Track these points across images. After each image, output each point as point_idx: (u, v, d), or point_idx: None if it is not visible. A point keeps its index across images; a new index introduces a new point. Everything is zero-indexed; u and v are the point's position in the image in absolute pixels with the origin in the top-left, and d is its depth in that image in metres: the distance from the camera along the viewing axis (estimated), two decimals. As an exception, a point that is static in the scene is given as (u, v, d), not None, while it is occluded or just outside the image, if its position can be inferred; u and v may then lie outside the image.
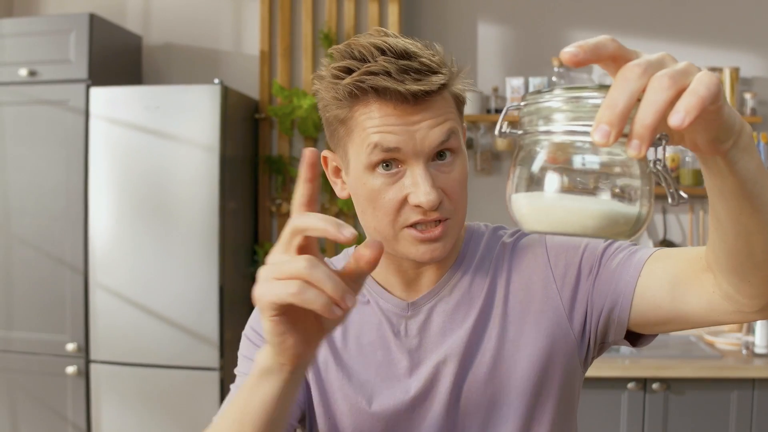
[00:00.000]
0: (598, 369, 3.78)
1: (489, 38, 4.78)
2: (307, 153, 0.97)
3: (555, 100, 0.83)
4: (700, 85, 0.73)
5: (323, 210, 4.62)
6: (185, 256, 4.06)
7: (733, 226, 1.00)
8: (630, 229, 0.83)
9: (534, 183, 0.84)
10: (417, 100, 1.24)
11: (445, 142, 1.26)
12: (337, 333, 1.45)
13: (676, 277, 1.24)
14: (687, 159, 4.59)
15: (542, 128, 0.84)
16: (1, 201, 4.25)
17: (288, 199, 4.65)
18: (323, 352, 1.45)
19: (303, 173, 0.97)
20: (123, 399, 4.11)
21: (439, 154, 1.28)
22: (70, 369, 4.13)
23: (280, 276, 0.91)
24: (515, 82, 4.56)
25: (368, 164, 1.27)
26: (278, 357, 1.00)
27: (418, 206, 1.26)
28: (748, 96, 4.54)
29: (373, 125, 1.25)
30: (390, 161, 1.26)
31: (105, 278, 4.10)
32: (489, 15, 4.77)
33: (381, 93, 1.23)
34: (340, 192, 1.40)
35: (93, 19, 4.17)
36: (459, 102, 1.33)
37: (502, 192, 4.68)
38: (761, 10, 4.69)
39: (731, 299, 1.14)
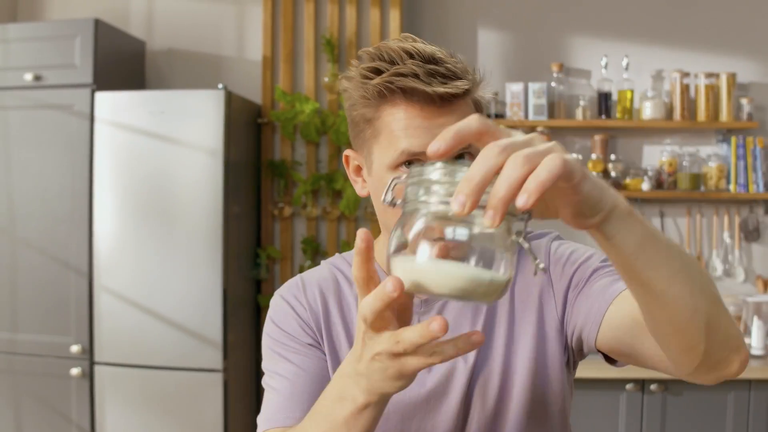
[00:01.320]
0: (596, 370, 3.82)
1: (489, 44, 4.82)
2: (362, 235, 0.98)
3: (433, 173, 0.89)
4: (542, 169, 0.80)
5: (324, 213, 4.66)
6: (189, 259, 4.09)
7: (633, 294, 1.05)
8: (495, 291, 0.90)
9: (410, 247, 0.90)
10: (443, 103, 1.28)
11: (467, 147, 1.28)
12: (356, 327, 1.46)
13: (637, 320, 1.21)
14: (684, 164, 4.63)
15: (421, 198, 0.90)
16: (6, 204, 4.28)
17: (289, 202, 4.68)
18: (344, 347, 1.47)
19: (361, 254, 0.98)
20: (127, 401, 4.14)
21: (458, 158, 1.30)
22: (75, 371, 4.16)
23: (406, 351, 0.95)
24: (515, 88, 4.61)
25: (392, 164, 1.32)
26: (388, 393, 1.05)
27: None
28: (744, 101, 4.59)
29: (400, 127, 1.30)
30: (412, 162, 1.30)
31: (109, 281, 4.13)
32: (489, 21, 4.82)
33: (409, 94, 1.28)
34: (360, 190, 1.44)
35: (98, 24, 4.20)
36: (479, 109, 1.37)
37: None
38: (758, 17, 4.74)
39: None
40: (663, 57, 4.77)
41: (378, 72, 1.31)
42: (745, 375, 3.90)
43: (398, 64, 1.29)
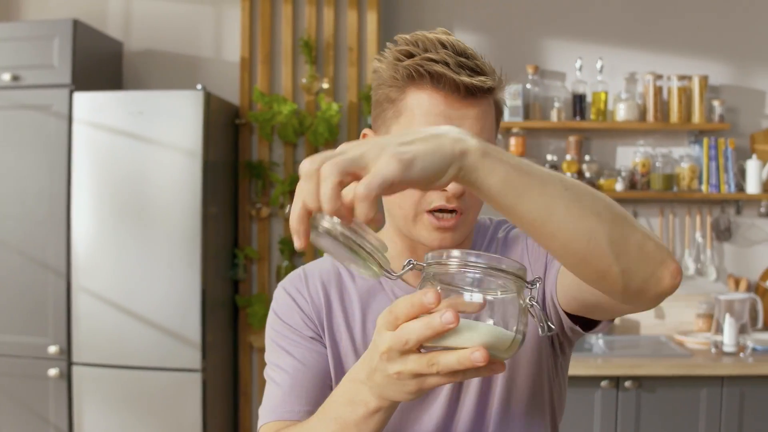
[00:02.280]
0: (572, 368, 3.86)
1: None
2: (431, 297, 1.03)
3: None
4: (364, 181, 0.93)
5: (268, 205, 4.67)
6: (167, 259, 4.10)
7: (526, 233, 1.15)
8: (508, 348, 1.01)
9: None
10: (467, 95, 1.32)
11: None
12: (357, 320, 1.51)
13: None
14: (657, 165, 4.69)
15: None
16: (-16, 205, 4.27)
17: (267, 203, 4.70)
18: (345, 340, 1.50)
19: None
20: (105, 401, 4.13)
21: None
22: (53, 371, 4.15)
23: (439, 373, 1.00)
24: (491, 89, 4.64)
25: None
26: (396, 401, 1.11)
27: (444, 190, 1.33)
28: (716, 103, 4.65)
29: (422, 111, 1.33)
30: None
31: (87, 282, 4.13)
32: (465, 24, 4.86)
33: (436, 79, 1.32)
34: None
35: (76, 24, 4.20)
36: (499, 111, 1.42)
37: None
38: (729, 21, 4.81)
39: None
40: (636, 59, 4.83)
41: (410, 55, 1.34)
42: (718, 371, 3.97)
43: (431, 51, 1.32)
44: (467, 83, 1.31)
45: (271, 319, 1.56)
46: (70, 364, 4.16)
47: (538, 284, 1.05)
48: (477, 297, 1.01)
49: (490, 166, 0.98)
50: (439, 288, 1.01)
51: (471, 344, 0.97)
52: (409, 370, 1.00)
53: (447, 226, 1.38)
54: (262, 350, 4.74)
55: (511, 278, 1.01)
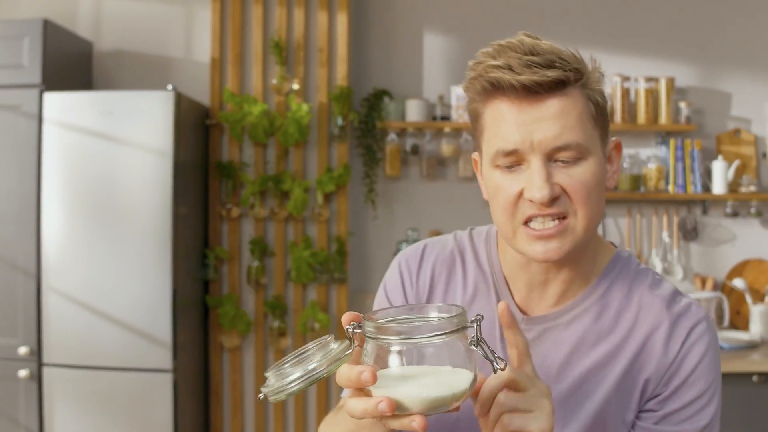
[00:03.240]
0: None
1: (435, 48, 4.89)
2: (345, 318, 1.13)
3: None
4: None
5: (272, 214, 4.69)
6: (138, 259, 4.09)
7: None
8: (459, 394, 1.06)
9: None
10: (535, 93, 1.25)
11: (564, 146, 1.25)
12: None
13: None
14: (624, 165, 4.73)
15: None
16: (-48, 205, 4.24)
17: (237, 203, 4.70)
18: None
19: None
20: (76, 402, 4.11)
21: (566, 154, 1.27)
22: (23, 373, 4.12)
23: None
24: (460, 91, 4.66)
25: (493, 164, 1.30)
26: None
27: (532, 202, 1.26)
28: (683, 105, 4.71)
29: (496, 124, 1.28)
30: (512, 164, 1.28)
31: (58, 282, 4.11)
32: (435, 25, 4.88)
33: (498, 85, 1.25)
34: (485, 194, 1.40)
35: (46, 24, 4.18)
36: (595, 105, 1.30)
37: (447, 197, 4.78)
38: (696, 23, 4.86)
39: None
40: (604, 61, 4.74)
41: (482, 65, 1.29)
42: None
43: (497, 58, 1.27)
44: (526, 81, 1.23)
45: (380, 289, 1.58)
46: (40, 365, 4.14)
47: (479, 323, 1.09)
48: (420, 353, 1.06)
49: None
50: (383, 349, 1.07)
51: (416, 403, 1.04)
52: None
53: (548, 234, 1.28)
54: (232, 350, 4.75)
55: (453, 331, 1.06)
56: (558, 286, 1.40)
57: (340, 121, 4.62)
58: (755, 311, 4.57)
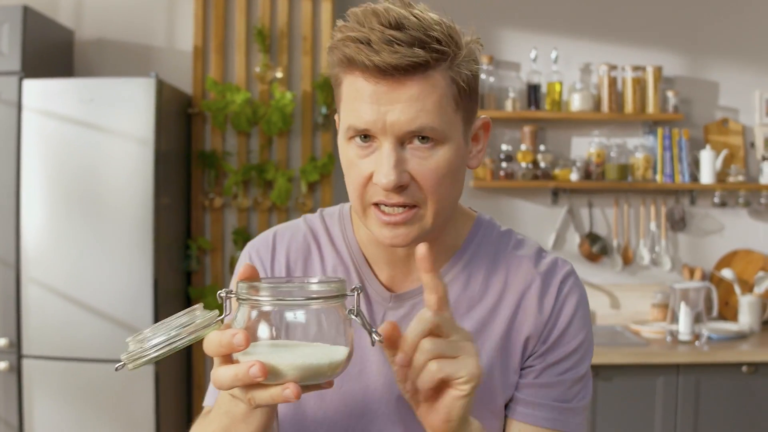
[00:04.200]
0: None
1: (420, 36, 4.84)
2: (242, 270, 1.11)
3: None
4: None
5: (255, 204, 4.64)
6: (119, 250, 4.04)
7: None
8: (334, 366, 1.03)
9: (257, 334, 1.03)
10: (391, 75, 1.18)
11: (417, 130, 1.20)
12: None
13: None
14: (612, 155, 4.71)
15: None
16: (-70, 195, 4.18)
17: (220, 193, 4.65)
18: None
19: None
20: (56, 394, 4.06)
21: (422, 138, 1.21)
22: (2, 365, 4.06)
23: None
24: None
25: (346, 136, 1.25)
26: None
27: (379, 185, 1.22)
28: (670, 94, 4.69)
29: (351, 99, 1.22)
30: (366, 135, 1.23)
31: (38, 273, 4.05)
32: (420, 13, 4.83)
33: (355, 61, 1.19)
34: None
35: (26, 11, 4.12)
36: (458, 87, 1.23)
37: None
38: (684, 12, 4.84)
39: None
40: (591, 50, 4.84)
41: (343, 33, 1.22)
42: (674, 359, 4.00)
43: (362, 24, 1.19)
44: (380, 64, 1.16)
45: (232, 283, 1.45)
46: (19, 357, 4.08)
47: (359, 292, 1.07)
48: (294, 320, 1.02)
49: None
50: (255, 313, 1.02)
51: (290, 369, 0.99)
52: (235, 396, 1.06)
53: (396, 221, 1.24)
54: (216, 343, 4.69)
55: (332, 297, 1.03)
56: None
57: (324, 109, 4.58)
58: (744, 302, 4.56)
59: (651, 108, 4.68)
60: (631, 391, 4.02)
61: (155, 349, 1.01)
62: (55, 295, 4.04)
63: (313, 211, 4.57)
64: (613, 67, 4.70)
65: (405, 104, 1.18)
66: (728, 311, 4.77)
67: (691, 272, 4.77)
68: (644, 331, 4.43)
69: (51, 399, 4.06)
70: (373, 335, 1.05)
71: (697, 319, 4.38)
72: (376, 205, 1.25)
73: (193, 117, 4.69)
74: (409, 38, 1.16)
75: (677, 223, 4.80)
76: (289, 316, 1.01)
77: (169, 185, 4.31)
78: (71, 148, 4.03)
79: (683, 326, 4.25)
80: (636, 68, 4.69)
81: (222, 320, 1.05)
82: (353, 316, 1.05)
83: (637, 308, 4.77)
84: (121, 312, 4.03)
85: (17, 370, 4.08)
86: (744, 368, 4.05)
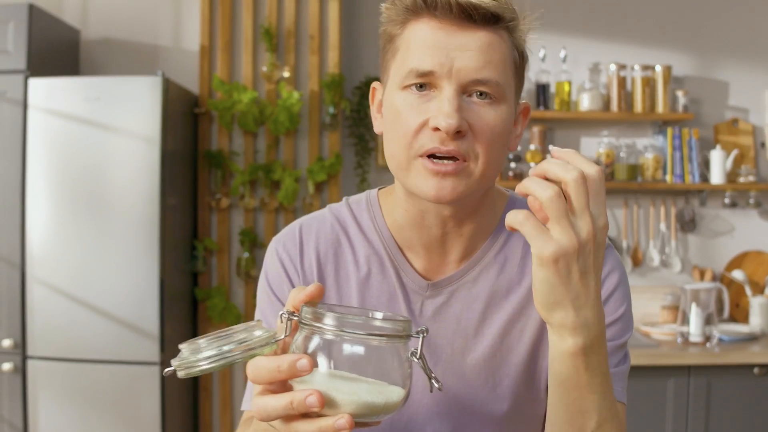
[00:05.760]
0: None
1: (428, 35, 4.82)
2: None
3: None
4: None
5: (262, 204, 4.62)
6: (125, 250, 4.01)
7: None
8: (389, 406, 0.98)
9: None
10: (465, 19, 1.18)
11: (483, 80, 1.19)
12: (353, 305, 1.37)
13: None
14: (621, 155, 4.68)
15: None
16: (-66, 194, 4.16)
17: (227, 194, 4.63)
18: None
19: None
20: (61, 395, 4.05)
21: (481, 94, 1.20)
22: (6, 366, 4.05)
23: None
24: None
25: (401, 85, 1.22)
26: None
27: (436, 130, 1.18)
28: (680, 93, 4.66)
29: (416, 44, 1.20)
30: (424, 84, 1.20)
31: (43, 273, 4.03)
32: (428, 12, 4.81)
33: (430, 6, 1.19)
34: (377, 127, 1.34)
35: (32, 9, 4.11)
36: (519, 55, 1.26)
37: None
38: (693, 12, 4.82)
39: None
40: (600, 50, 4.82)
41: None
42: (684, 361, 3.97)
43: None
44: (463, 3, 1.17)
45: (262, 280, 1.45)
46: (24, 358, 4.07)
47: (424, 335, 1.01)
48: (356, 354, 0.98)
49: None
50: (317, 340, 0.98)
51: (346, 402, 0.95)
52: (275, 427, 1.01)
53: (445, 171, 1.19)
54: (222, 344, 4.66)
55: (394, 337, 0.99)
56: (459, 242, 1.34)
57: (331, 109, 4.55)
58: (755, 303, 4.53)
59: (660, 108, 4.65)
60: (642, 392, 3.99)
61: (208, 361, 0.97)
62: (60, 296, 4.02)
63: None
64: (622, 67, 4.68)
65: (474, 52, 1.18)
66: (739, 313, 4.73)
67: (702, 274, 4.74)
68: (655, 332, 4.39)
69: (56, 400, 4.04)
70: (433, 381, 1.01)
71: (707, 320, 4.34)
72: (423, 156, 1.21)
73: (200, 116, 4.66)
74: None
75: (687, 224, 4.77)
76: (352, 348, 0.97)
77: (176, 185, 4.28)
78: (77, 147, 4.01)
79: (694, 328, 4.22)
80: (645, 68, 4.66)
81: (277, 342, 1.01)
82: (415, 359, 1.00)
83: (648, 310, 4.74)
84: (127, 313, 4.01)
85: (22, 371, 4.07)
86: (755, 370, 4.03)
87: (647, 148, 4.73)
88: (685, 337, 4.24)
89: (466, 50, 1.18)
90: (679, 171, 4.64)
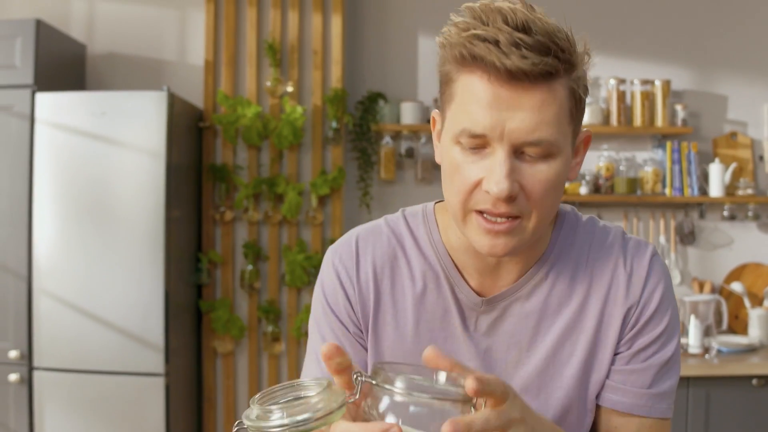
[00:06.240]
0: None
1: (429, 50, 4.86)
2: (325, 349, 1.00)
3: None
4: None
5: (266, 217, 4.66)
6: (130, 262, 4.05)
7: None
8: None
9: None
10: (518, 81, 1.14)
11: (535, 142, 1.17)
12: (408, 320, 1.39)
13: None
14: (621, 168, 4.72)
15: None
16: (-57, 207, 4.20)
17: (231, 207, 4.67)
18: (390, 339, 1.40)
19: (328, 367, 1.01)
20: (67, 406, 4.07)
21: (535, 149, 1.18)
22: (13, 377, 4.08)
23: None
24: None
25: (453, 138, 1.21)
26: None
27: (488, 193, 1.18)
28: (678, 107, 4.70)
29: (469, 100, 1.17)
30: (477, 145, 1.19)
31: (49, 285, 4.07)
32: (429, 27, 4.87)
33: (480, 62, 1.15)
34: (437, 158, 1.32)
35: (39, 25, 4.16)
36: (575, 99, 1.21)
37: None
38: (692, 27, 4.86)
39: None
40: (600, 64, 4.79)
41: (466, 27, 1.17)
42: (684, 373, 3.98)
43: (484, 26, 1.15)
44: (512, 67, 1.12)
45: (317, 291, 1.46)
46: (30, 368, 4.10)
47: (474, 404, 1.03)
48: (422, 414, 1.00)
49: None
50: (387, 401, 1.00)
51: None
52: None
53: (498, 230, 1.21)
54: (226, 355, 4.71)
55: (467, 402, 1.01)
56: (513, 266, 1.36)
57: (334, 123, 4.60)
58: (754, 315, 4.56)
59: (660, 122, 4.69)
60: (642, 403, 4.02)
61: (279, 430, 0.96)
62: (67, 307, 4.06)
63: (323, 224, 4.62)
64: (621, 81, 4.72)
65: (527, 113, 1.15)
66: (738, 325, 4.77)
67: (701, 286, 4.77)
68: (654, 344, 4.42)
69: (62, 411, 4.07)
70: None
71: (706, 332, 4.38)
72: (478, 212, 1.22)
73: (204, 130, 4.71)
74: (537, 44, 1.14)
75: (687, 237, 4.81)
76: (420, 410, 0.98)
77: (180, 198, 4.33)
78: (83, 161, 4.06)
79: (693, 339, 4.25)
80: (645, 82, 4.70)
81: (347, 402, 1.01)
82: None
83: (647, 322, 4.76)
84: (132, 324, 4.04)
85: (28, 382, 4.10)
86: (754, 381, 4.05)
87: (647, 161, 4.78)
88: (684, 348, 4.28)
89: (517, 111, 1.15)
90: (678, 184, 4.68)
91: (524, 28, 1.14)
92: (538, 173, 1.19)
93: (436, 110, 1.32)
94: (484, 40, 1.13)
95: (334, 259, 1.42)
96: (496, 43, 1.13)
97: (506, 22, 1.14)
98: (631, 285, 1.36)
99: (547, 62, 1.14)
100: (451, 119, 1.22)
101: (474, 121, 1.16)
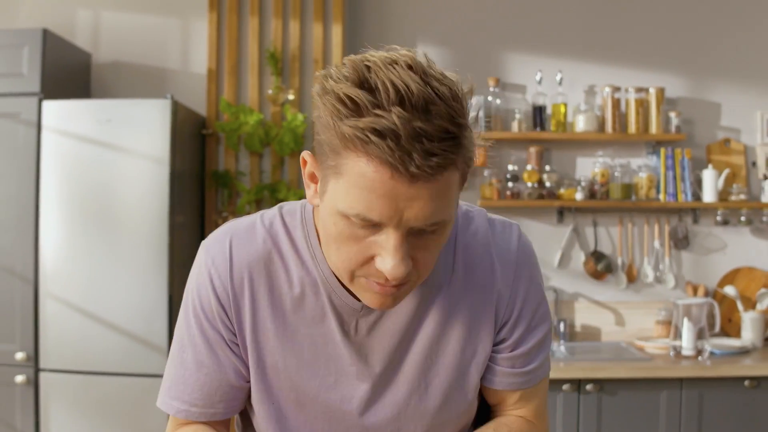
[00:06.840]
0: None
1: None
2: None
3: None
4: None
5: (235, 214, 4.71)
6: (135, 266, 4.11)
7: None
8: None
9: None
10: (418, 179, 1.07)
11: (433, 224, 1.13)
12: (289, 324, 1.36)
13: None
14: (616, 174, 4.78)
15: None
16: (-49, 213, 4.26)
17: (233, 212, 4.74)
18: (271, 346, 1.37)
19: None
20: (73, 408, 4.12)
21: (430, 226, 1.14)
22: (19, 378, 4.12)
23: None
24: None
25: (343, 215, 1.14)
26: None
27: (381, 270, 1.16)
28: (672, 115, 4.76)
29: (363, 186, 1.08)
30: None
31: (55, 288, 4.13)
32: (429, 37, 4.94)
33: (376, 158, 1.06)
34: (311, 199, 1.25)
35: (46, 34, 4.23)
36: (466, 172, 1.17)
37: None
38: (685, 35, 4.93)
39: None
40: (595, 72, 4.93)
41: (356, 107, 1.06)
42: (677, 374, 4.05)
43: (383, 106, 1.05)
44: (415, 171, 1.05)
45: (190, 292, 1.40)
46: (37, 370, 4.15)
47: None
48: None
49: None
50: None
51: None
52: None
53: (388, 292, 1.20)
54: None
55: None
56: None
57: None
58: (746, 318, 4.62)
59: (654, 128, 4.76)
60: (636, 404, 4.08)
61: None
62: (72, 310, 4.10)
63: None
64: (616, 89, 4.79)
65: (425, 201, 1.09)
66: (731, 328, 4.82)
67: (695, 290, 4.84)
68: (648, 346, 4.49)
69: (68, 412, 4.11)
70: None
71: (699, 334, 4.43)
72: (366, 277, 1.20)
73: (207, 138, 4.78)
74: (437, 131, 1.06)
75: (680, 242, 4.87)
76: None
77: (184, 204, 4.39)
78: (89, 168, 4.12)
79: (686, 341, 4.31)
80: (639, 90, 4.77)
81: None
82: None
83: (642, 325, 4.84)
84: (137, 327, 4.09)
85: (34, 384, 4.14)
86: (746, 382, 4.11)
87: (641, 167, 4.84)
88: (677, 350, 4.33)
89: (415, 200, 1.09)
90: (672, 190, 4.74)
91: (424, 109, 1.05)
92: (431, 243, 1.17)
93: (309, 153, 1.25)
94: (384, 136, 1.04)
95: (207, 261, 1.37)
96: (396, 138, 1.04)
97: (402, 103, 1.05)
98: (503, 269, 1.39)
99: (448, 156, 1.07)
100: (340, 195, 1.12)
101: (369, 209, 1.09)
